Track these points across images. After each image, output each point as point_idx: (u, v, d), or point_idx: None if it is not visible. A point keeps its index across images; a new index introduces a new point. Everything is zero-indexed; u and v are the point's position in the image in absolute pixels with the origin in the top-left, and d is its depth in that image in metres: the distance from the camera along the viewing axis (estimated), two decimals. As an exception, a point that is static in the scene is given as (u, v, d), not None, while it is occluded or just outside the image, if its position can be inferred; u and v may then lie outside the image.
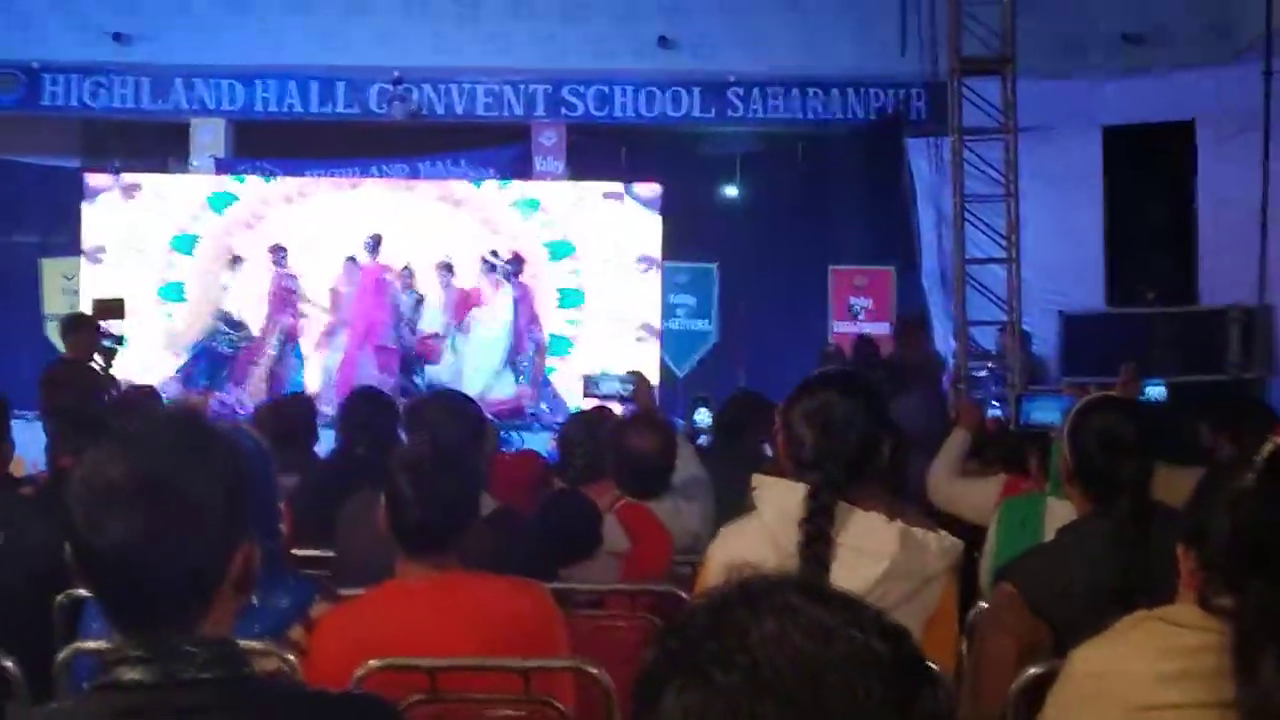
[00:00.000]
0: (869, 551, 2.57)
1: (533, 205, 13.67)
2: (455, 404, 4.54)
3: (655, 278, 13.50)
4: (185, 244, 13.56)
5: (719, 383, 11.83)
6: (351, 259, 13.41)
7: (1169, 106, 12.41)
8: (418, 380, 13.16)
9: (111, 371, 8.61)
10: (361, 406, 5.45)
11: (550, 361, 13.45)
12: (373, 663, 2.76)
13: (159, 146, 14.46)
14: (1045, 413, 5.35)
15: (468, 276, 13.48)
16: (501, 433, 8.68)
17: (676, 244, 13.59)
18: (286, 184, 13.84)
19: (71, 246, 13.59)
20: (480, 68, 13.96)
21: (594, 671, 2.92)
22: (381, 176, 14.09)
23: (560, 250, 13.56)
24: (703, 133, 14.88)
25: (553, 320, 13.54)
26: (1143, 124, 12.55)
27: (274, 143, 14.38)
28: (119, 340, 8.84)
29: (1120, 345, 10.29)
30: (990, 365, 11.52)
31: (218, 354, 13.43)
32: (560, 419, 12.21)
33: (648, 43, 13.75)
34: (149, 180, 13.81)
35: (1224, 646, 2.05)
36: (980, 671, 2.98)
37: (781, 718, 1.04)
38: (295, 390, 12.05)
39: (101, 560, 1.65)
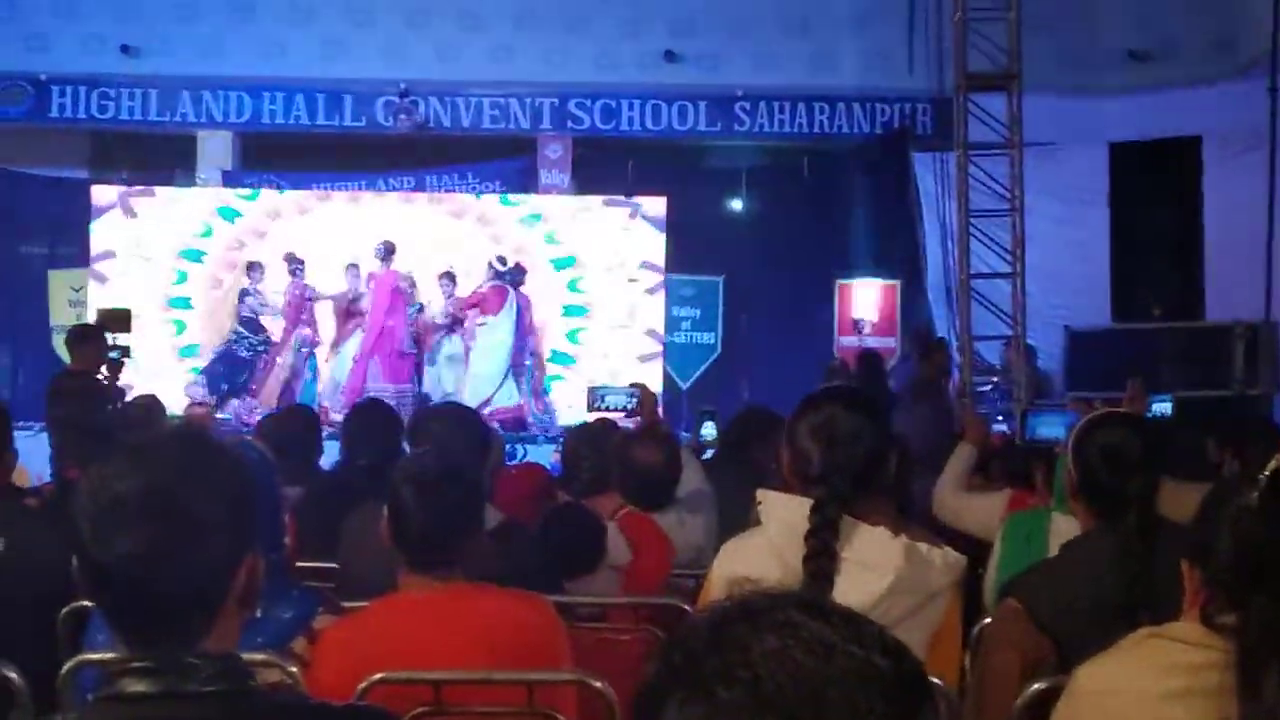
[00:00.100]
0: (874, 566, 2.56)
1: (537, 218, 13.70)
2: (460, 416, 4.54)
3: (659, 290, 13.52)
4: (194, 255, 13.59)
5: (723, 396, 11.84)
6: (354, 266, 13.44)
7: (1175, 122, 12.43)
8: (426, 388, 13.18)
9: (118, 383, 8.63)
10: (365, 418, 5.44)
11: (556, 370, 13.47)
12: (377, 675, 2.76)
13: (166, 158, 14.51)
14: (1050, 428, 5.35)
15: (471, 285, 13.51)
16: (506, 445, 8.67)
17: (682, 257, 13.61)
18: (294, 196, 13.88)
19: (79, 258, 13.63)
20: (486, 81, 14.00)
21: (597, 685, 2.92)
22: (387, 189, 14.12)
23: (565, 263, 13.59)
24: (709, 146, 14.91)
25: (557, 332, 13.56)
26: (1149, 140, 12.56)
27: (280, 155, 14.41)
28: (125, 352, 8.86)
29: (1125, 360, 10.25)
30: (995, 380, 11.53)
31: (237, 358, 13.46)
32: (555, 431, 12.30)
33: (654, 56, 13.77)
34: (154, 197, 13.83)
35: (1228, 664, 2.05)
36: (984, 687, 2.98)
37: (783, 733, 1.05)
38: (307, 401, 12.09)
39: (107, 573, 1.66)
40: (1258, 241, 11.16)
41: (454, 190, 14.07)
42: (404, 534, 2.98)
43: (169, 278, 13.52)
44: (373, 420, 5.36)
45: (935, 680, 2.58)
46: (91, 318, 10.69)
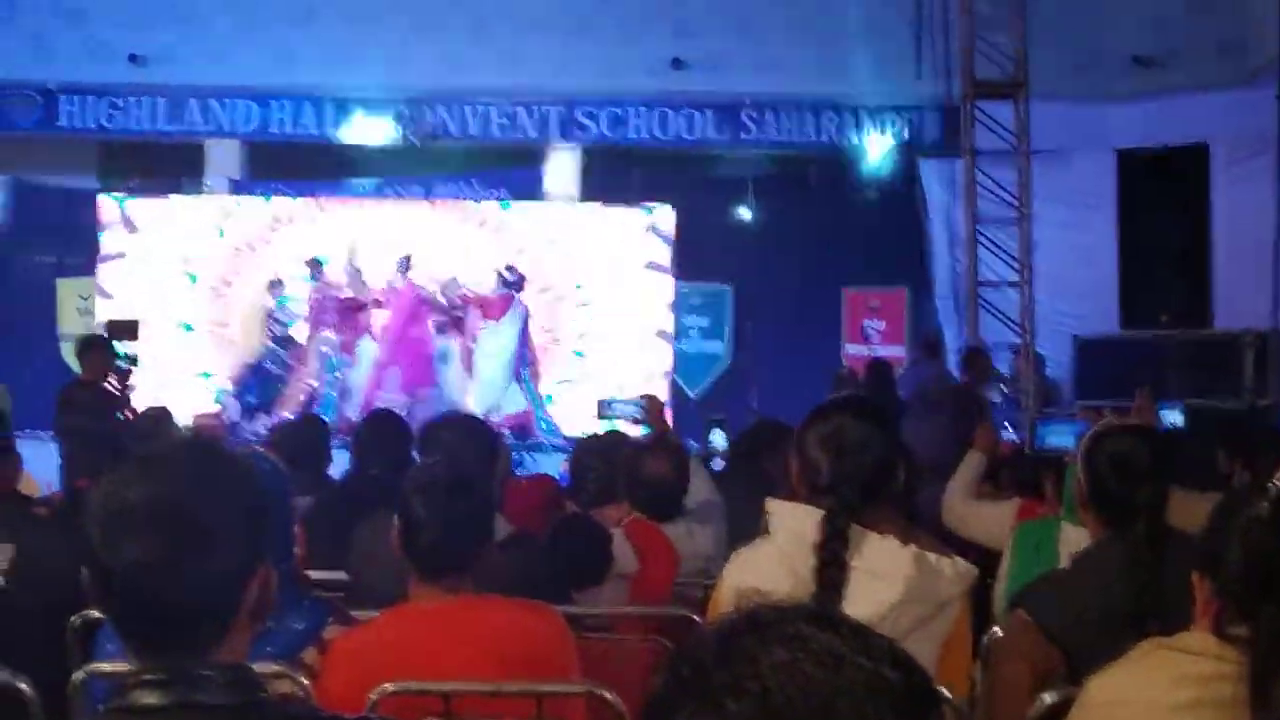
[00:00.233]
0: (883, 576, 2.56)
1: (543, 226, 13.72)
2: (469, 426, 4.54)
3: (668, 297, 13.54)
4: (201, 266, 13.62)
5: (731, 404, 11.85)
6: (356, 269, 13.46)
7: (1183, 129, 12.40)
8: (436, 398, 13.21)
9: (127, 392, 8.64)
10: (376, 428, 5.45)
11: (566, 374, 13.48)
12: (387, 686, 2.76)
13: (174, 167, 14.54)
14: (1059, 437, 5.35)
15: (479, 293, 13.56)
16: (514, 454, 8.69)
17: (690, 266, 13.62)
18: (301, 203, 13.92)
19: (87, 267, 13.65)
20: (493, 89, 14.01)
21: (607, 696, 2.92)
22: (395, 198, 14.15)
23: (570, 268, 13.60)
24: (716, 154, 14.91)
25: (566, 340, 13.58)
26: (1156, 147, 12.54)
27: (288, 163, 14.44)
28: (133, 361, 8.88)
29: (1134, 369, 10.24)
30: (1004, 388, 11.51)
31: (269, 374, 13.47)
32: (558, 440, 12.33)
33: (661, 64, 13.78)
34: (161, 206, 13.87)
35: (1238, 675, 2.05)
36: (995, 697, 2.98)
37: (793, 745, 1.05)
38: (327, 410, 12.14)
39: (118, 583, 1.66)
40: (1266, 249, 11.15)
41: (461, 199, 14.10)
42: (414, 544, 2.98)
43: (176, 285, 13.54)
44: (383, 430, 5.36)
45: (945, 691, 2.58)
46: (100, 326, 10.71)
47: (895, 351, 12.88)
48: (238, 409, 13.01)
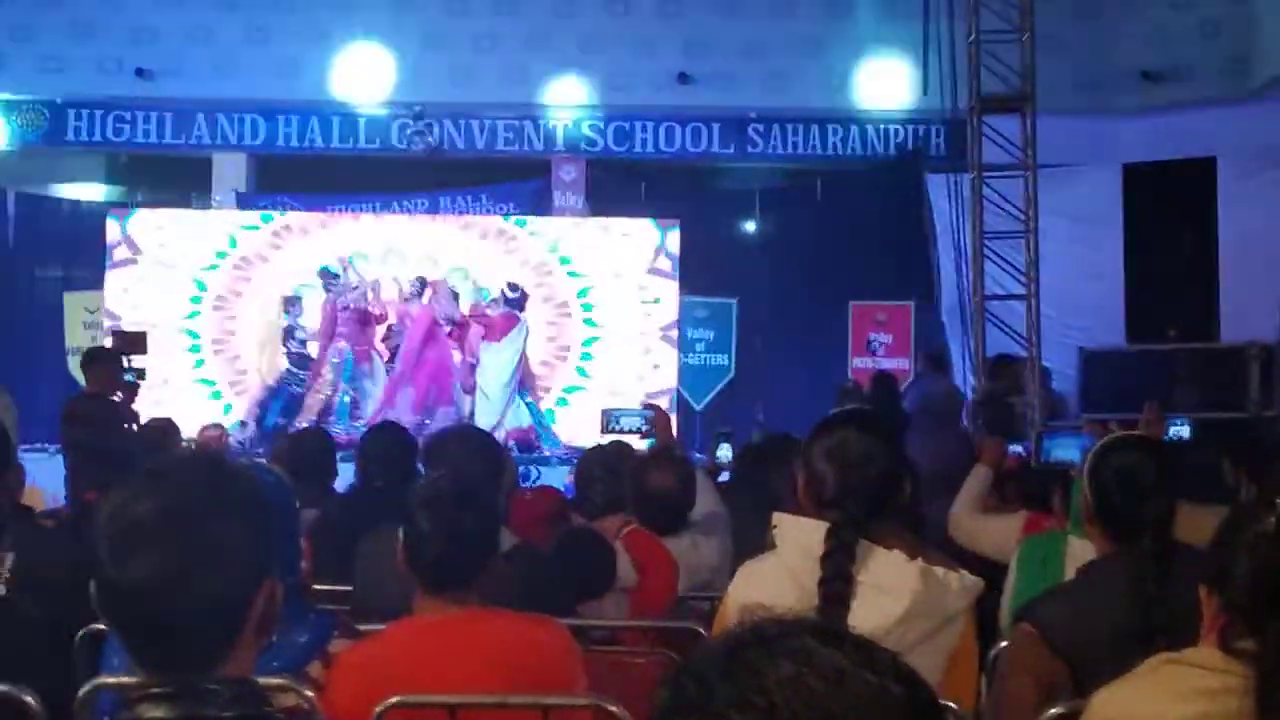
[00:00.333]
0: (890, 589, 2.56)
1: (549, 239, 13.74)
2: (475, 439, 4.54)
3: (673, 310, 13.54)
4: (209, 276, 13.63)
5: (737, 417, 11.82)
6: (366, 281, 13.48)
7: (1189, 143, 12.41)
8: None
9: (133, 405, 8.64)
10: (381, 441, 5.44)
11: (573, 382, 13.49)
12: (392, 699, 2.76)
13: (181, 180, 14.59)
14: (1066, 450, 5.32)
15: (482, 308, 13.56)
16: (520, 468, 8.69)
17: (696, 279, 13.61)
18: (308, 217, 13.95)
19: (95, 280, 13.67)
20: (500, 103, 14.04)
21: (613, 709, 2.91)
22: (401, 211, 14.16)
23: (577, 282, 13.61)
24: (723, 168, 14.93)
25: (571, 353, 13.58)
26: (1163, 161, 12.54)
27: (295, 177, 14.47)
28: (140, 374, 8.87)
29: (1140, 382, 10.21)
30: (1010, 401, 11.47)
31: (292, 395, 13.46)
32: (563, 452, 12.33)
33: (668, 78, 13.81)
34: (168, 220, 13.90)
35: (1246, 689, 2.04)
36: (1000, 711, 2.97)
37: (800, 760, 1.05)
38: (342, 417, 12.12)
39: (125, 597, 1.66)
40: (1273, 262, 11.14)
41: (467, 212, 14.11)
42: (419, 557, 2.98)
43: (184, 298, 13.56)
44: (388, 443, 5.36)
45: (951, 705, 2.57)
46: (107, 340, 10.71)
47: (901, 365, 12.85)
48: (255, 436, 12.92)
